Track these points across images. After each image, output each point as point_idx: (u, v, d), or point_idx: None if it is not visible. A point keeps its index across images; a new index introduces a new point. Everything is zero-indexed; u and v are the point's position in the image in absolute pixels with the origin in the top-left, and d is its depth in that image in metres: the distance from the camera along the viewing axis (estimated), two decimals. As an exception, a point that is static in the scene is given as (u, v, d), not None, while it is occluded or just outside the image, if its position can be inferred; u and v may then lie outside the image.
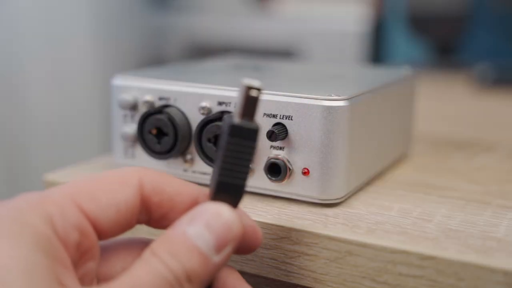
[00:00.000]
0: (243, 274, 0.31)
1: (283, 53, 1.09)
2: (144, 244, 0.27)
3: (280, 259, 0.30)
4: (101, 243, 0.26)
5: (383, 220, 0.31)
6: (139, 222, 0.26)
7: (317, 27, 1.09)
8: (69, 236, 0.23)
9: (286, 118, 0.32)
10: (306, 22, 1.10)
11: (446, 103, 0.72)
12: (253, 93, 0.24)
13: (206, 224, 0.24)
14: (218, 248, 0.24)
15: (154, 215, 0.26)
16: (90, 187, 0.25)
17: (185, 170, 0.35)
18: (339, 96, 0.31)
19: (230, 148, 0.25)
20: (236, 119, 0.24)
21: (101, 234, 0.25)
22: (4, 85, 1.02)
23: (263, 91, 0.25)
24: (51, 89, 1.08)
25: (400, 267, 0.27)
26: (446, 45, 1.01)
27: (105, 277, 0.26)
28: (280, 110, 0.32)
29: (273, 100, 0.32)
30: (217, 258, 0.24)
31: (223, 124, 0.25)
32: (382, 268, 0.28)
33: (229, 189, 0.25)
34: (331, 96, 0.31)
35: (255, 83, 0.24)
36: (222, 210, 0.24)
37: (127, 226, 0.25)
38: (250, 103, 0.24)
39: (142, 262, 0.23)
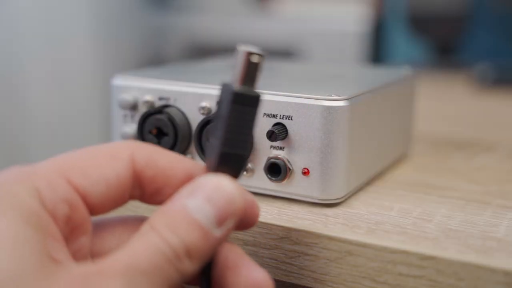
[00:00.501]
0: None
1: (283, 53, 1.09)
2: (140, 221, 0.26)
3: (280, 259, 0.30)
4: (95, 219, 0.25)
5: (383, 220, 0.31)
6: (132, 197, 0.26)
7: (317, 27, 1.09)
8: (58, 209, 0.23)
9: (286, 118, 0.32)
10: (306, 22, 1.10)
11: (446, 103, 0.72)
12: (254, 59, 0.24)
13: (207, 197, 0.23)
14: (219, 222, 0.23)
15: (147, 190, 0.25)
16: (79, 160, 0.24)
17: None
18: (339, 96, 0.31)
19: (233, 116, 0.23)
20: (238, 87, 0.23)
21: (92, 209, 0.24)
22: (4, 85, 1.02)
23: (264, 57, 0.24)
24: (51, 89, 1.08)
25: (400, 267, 0.27)
26: (446, 45, 1.01)
27: (99, 254, 0.25)
28: (280, 110, 0.32)
29: (273, 100, 0.32)
30: (218, 232, 0.23)
31: (222, 93, 0.24)
32: (382, 268, 0.28)
33: (231, 160, 0.24)
34: (331, 96, 0.31)
35: (254, 48, 0.24)
36: (223, 182, 0.23)
37: (120, 201, 0.25)
38: (251, 70, 0.24)
39: (139, 236, 0.22)
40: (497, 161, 0.43)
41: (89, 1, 1.12)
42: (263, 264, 0.30)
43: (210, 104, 0.34)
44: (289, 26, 1.11)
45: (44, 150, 1.07)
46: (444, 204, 0.33)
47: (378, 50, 1.09)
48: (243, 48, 0.24)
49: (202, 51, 1.18)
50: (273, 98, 0.32)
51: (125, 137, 0.36)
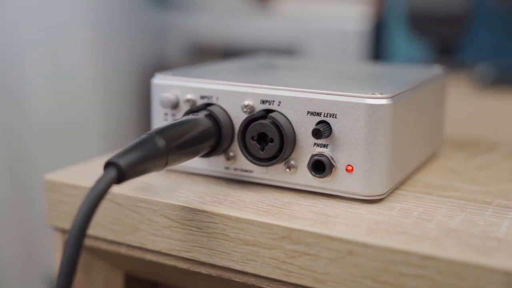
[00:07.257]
0: (244, 273, 0.32)
1: (284, 52, 1.09)
2: None
3: (280, 259, 0.30)
4: None
5: (384, 220, 0.31)
6: None
7: (318, 26, 1.09)
8: None
9: (330, 116, 0.32)
10: (307, 21, 1.10)
11: (447, 103, 0.71)
12: None
13: None
14: None
15: None
16: None
17: (226, 168, 0.35)
18: (382, 94, 0.32)
19: None
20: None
21: None
22: (4, 85, 1.02)
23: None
24: (51, 89, 1.08)
25: (401, 267, 0.27)
26: (446, 45, 1.01)
27: None
28: (325, 108, 0.32)
29: (317, 99, 0.32)
30: None
31: None
32: (382, 268, 0.28)
33: None
34: (375, 94, 0.31)
35: None
36: None
37: None
38: None
39: None
40: (497, 161, 0.43)
41: (89, 0, 1.12)
42: (263, 264, 0.30)
43: (253, 102, 0.34)
44: (289, 26, 1.11)
45: (44, 150, 1.07)
46: (444, 204, 0.33)
47: (378, 49, 1.09)
48: None
49: (203, 51, 1.18)
50: (318, 96, 0.32)
51: None
